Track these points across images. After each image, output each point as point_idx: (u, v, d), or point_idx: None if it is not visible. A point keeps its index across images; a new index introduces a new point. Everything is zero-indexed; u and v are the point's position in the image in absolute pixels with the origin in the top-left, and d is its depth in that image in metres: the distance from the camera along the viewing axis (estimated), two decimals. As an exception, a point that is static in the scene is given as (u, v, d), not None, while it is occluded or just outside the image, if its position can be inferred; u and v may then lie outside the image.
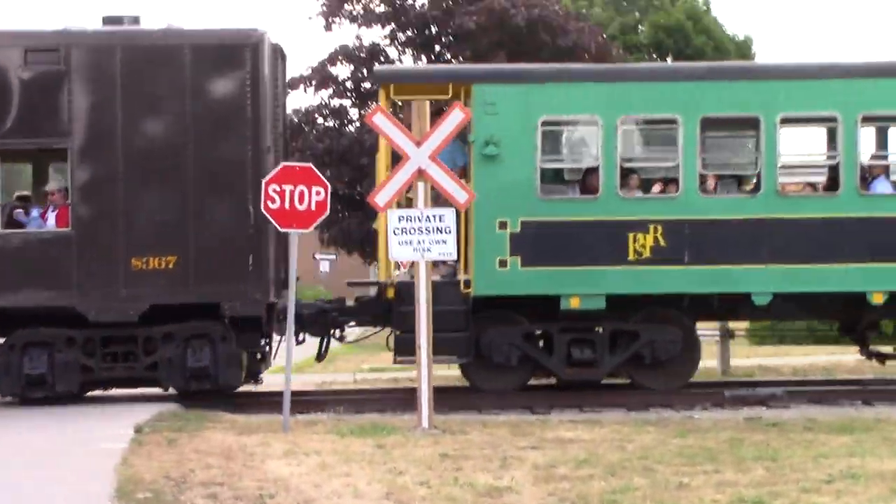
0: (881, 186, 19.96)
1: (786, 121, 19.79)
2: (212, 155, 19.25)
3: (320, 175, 17.06)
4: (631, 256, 19.51)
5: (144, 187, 19.24)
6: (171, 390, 19.82)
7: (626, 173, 19.89)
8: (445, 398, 18.94)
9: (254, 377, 20.42)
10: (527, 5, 37.43)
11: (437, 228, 16.80)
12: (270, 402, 19.11)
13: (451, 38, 38.47)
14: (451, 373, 23.85)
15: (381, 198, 17.14)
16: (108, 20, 20.07)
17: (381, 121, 17.15)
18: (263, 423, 17.34)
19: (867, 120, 19.90)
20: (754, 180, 20.05)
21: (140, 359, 19.43)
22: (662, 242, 19.43)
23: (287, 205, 16.82)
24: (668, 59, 51.38)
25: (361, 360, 29.49)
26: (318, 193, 16.89)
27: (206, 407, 18.89)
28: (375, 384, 23.76)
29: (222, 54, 19.34)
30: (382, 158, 19.98)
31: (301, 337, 20.55)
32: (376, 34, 39.26)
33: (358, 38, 38.98)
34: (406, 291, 19.32)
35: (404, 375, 23.93)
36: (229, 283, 19.17)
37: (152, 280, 19.16)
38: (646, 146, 21.21)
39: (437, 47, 38.97)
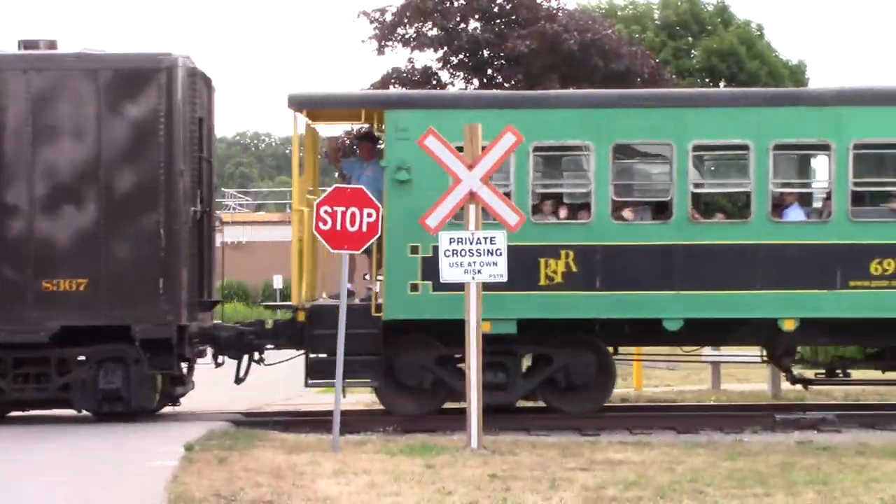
0: (794, 214, 19.88)
1: (698, 148, 19.79)
2: (123, 178, 19.28)
3: (372, 197, 17.15)
4: (542, 282, 19.54)
5: (56, 210, 19.26)
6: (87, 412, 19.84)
7: (539, 199, 19.96)
8: (495, 419, 18.96)
9: (170, 399, 20.46)
10: (580, 30, 37.43)
11: (488, 251, 16.86)
12: (320, 421, 19.17)
13: (503, 61, 38.52)
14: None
15: (431, 220, 17.22)
16: (24, 44, 20.16)
17: (433, 143, 17.23)
18: (313, 442, 17.41)
19: (780, 148, 19.79)
20: (667, 207, 19.85)
21: (52, 380, 19.39)
22: (574, 268, 19.37)
23: (339, 226, 16.92)
24: (721, 84, 51.24)
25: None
26: (369, 215, 16.99)
27: (256, 426, 19.00)
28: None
29: (135, 78, 19.36)
30: (296, 174, 20.22)
31: (220, 359, 20.61)
32: (428, 58, 39.39)
33: (410, 61, 39.12)
34: (317, 315, 19.66)
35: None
36: (140, 305, 19.20)
37: (63, 302, 19.17)
38: (559, 172, 21.13)
39: (489, 71, 39.02)
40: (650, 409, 22.16)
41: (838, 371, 20.98)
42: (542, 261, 19.56)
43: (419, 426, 19.39)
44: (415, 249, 19.59)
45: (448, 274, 16.97)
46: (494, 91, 20.02)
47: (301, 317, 19.88)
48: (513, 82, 37.61)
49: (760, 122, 19.63)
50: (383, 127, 20.01)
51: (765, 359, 21.58)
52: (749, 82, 48.92)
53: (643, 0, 55.97)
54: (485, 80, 38.63)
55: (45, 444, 17.37)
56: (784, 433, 19.00)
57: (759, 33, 54.96)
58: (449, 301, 19.13)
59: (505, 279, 17.09)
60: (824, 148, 19.85)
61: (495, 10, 38.95)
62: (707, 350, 24.11)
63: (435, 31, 38.80)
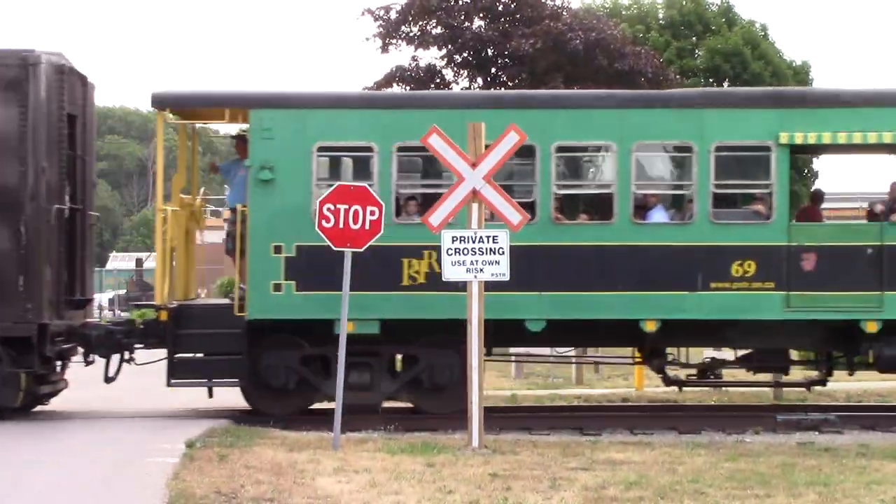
0: (657, 216, 19.89)
1: (562, 149, 19.77)
2: None
3: (375, 195, 17.14)
4: (405, 282, 19.59)
5: None
6: None
7: (403, 199, 20.02)
8: (496, 418, 18.96)
9: (36, 399, 20.41)
10: (584, 29, 37.42)
11: (491, 249, 16.86)
12: (321, 419, 19.17)
13: (507, 60, 38.52)
14: (500, 392, 23.89)
15: (434, 218, 17.21)
16: None
17: (437, 142, 17.23)
18: (314, 439, 17.41)
19: (642, 149, 19.80)
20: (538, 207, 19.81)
21: None
22: (437, 269, 19.20)
23: (341, 224, 16.91)
24: (725, 84, 51.17)
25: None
26: (372, 213, 16.98)
27: (257, 424, 19.01)
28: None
29: None
30: (160, 173, 20.28)
31: (91, 357, 20.56)
32: (432, 56, 39.39)
33: (414, 59, 39.12)
34: (182, 315, 19.77)
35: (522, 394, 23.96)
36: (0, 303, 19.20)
37: None
38: (423, 172, 21.12)
39: (493, 69, 39.02)
40: (651, 409, 22.16)
41: (710, 373, 21.05)
42: (405, 261, 19.62)
43: (421, 425, 19.39)
44: (278, 249, 19.61)
45: (450, 272, 16.97)
46: (359, 92, 19.95)
47: (163, 316, 19.84)
48: (516, 81, 37.61)
49: (623, 124, 19.64)
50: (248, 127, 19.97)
51: (637, 360, 21.55)
52: (753, 83, 48.83)
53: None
54: (489, 79, 38.63)
55: (45, 441, 17.38)
56: (785, 434, 19.00)
57: (763, 34, 54.87)
58: (312, 301, 19.41)
59: (507, 278, 17.08)
60: (687, 150, 19.79)
61: (500, 8, 38.95)
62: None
63: (439, 29, 38.79)
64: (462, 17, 38.74)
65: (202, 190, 22.10)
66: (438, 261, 19.04)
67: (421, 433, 18.65)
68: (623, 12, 54.34)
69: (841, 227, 20.45)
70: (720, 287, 19.44)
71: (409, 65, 38.89)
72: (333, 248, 17.10)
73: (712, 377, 21.22)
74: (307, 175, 19.67)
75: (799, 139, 19.62)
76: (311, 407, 20.64)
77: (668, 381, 21.04)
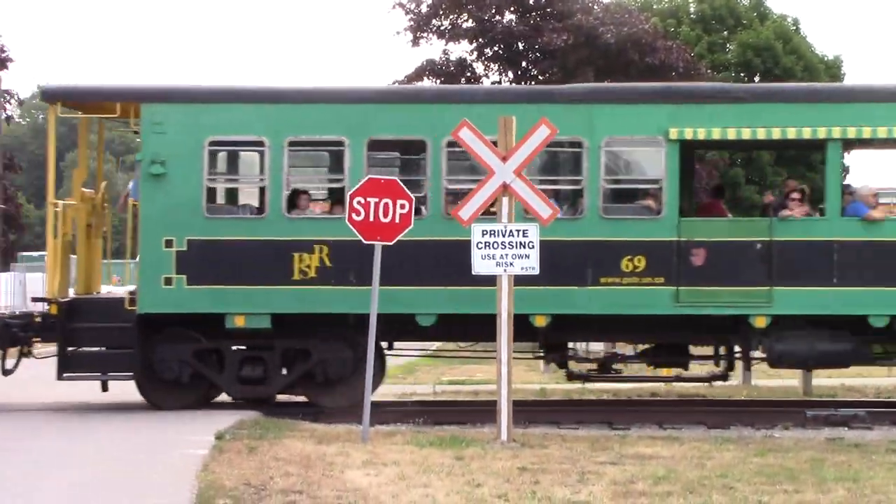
0: None
1: (453, 144, 19.24)
2: None
3: (405, 188, 17.16)
4: (296, 276, 19.54)
5: None
6: None
7: (296, 194, 19.98)
8: (525, 412, 18.97)
9: None
10: (616, 23, 37.42)
11: (521, 243, 16.87)
12: (350, 412, 19.23)
13: (538, 54, 38.51)
14: (529, 386, 23.89)
15: (464, 212, 17.20)
16: None
17: (467, 135, 17.21)
18: (343, 432, 17.46)
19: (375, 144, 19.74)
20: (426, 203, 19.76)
21: None
22: (328, 263, 19.34)
23: (371, 217, 16.95)
24: (756, 79, 51.05)
25: (441, 371, 29.56)
26: (402, 206, 17.00)
27: (285, 416, 19.09)
28: (456, 396, 23.82)
29: None
30: (52, 167, 20.23)
31: None
32: (463, 49, 39.42)
33: (445, 53, 39.16)
34: (75, 309, 19.82)
35: (485, 388, 23.99)
36: None
37: None
38: (315, 167, 21.02)
39: (524, 63, 39.03)
40: (680, 403, 22.13)
41: (613, 368, 20.91)
42: (297, 255, 19.56)
43: (449, 418, 19.42)
44: (169, 243, 19.62)
45: (480, 266, 16.98)
46: (247, 87, 19.88)
47: (54, 310, 19.87)
48: (547, 75, 37.60)
49: (516, 119, 19.51)
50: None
51: (538, 355, 21.43)
52: (784, 77, 48.75)
53: (679, -6, 55.80)
54: (519, 73, 38.65)
55: (75, 433, 17.48)
56: (815, 429, 18.96)
57: (794, 28, 54.72)
58: (203, 295, 19.43)
59: (537, 272, 17.08)
60: (577, 145, 19.71)
61: (531, 2, 38.96)
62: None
63: (470, 23, 38.84)
64: (493, 11, 38.78)
65: (104, 184, 21.98)
66: (329, 255, 19.32)
67: (450, 426, 18.69)
68: (654, 6, 54.33)
69: (730, 222, 20.28)
70: (610, 282, 19.32)
71: (440, 58, 38.94)
72: (364, 241, 17.13)
73: (613, 372, 20.99)
74: (199, 169, 19.69)
75: (688, 135, 19.55)
76: (214, 401, 20.59)
77: (571, 376, 20.96)
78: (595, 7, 39.46)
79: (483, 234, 16.91)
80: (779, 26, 53.19)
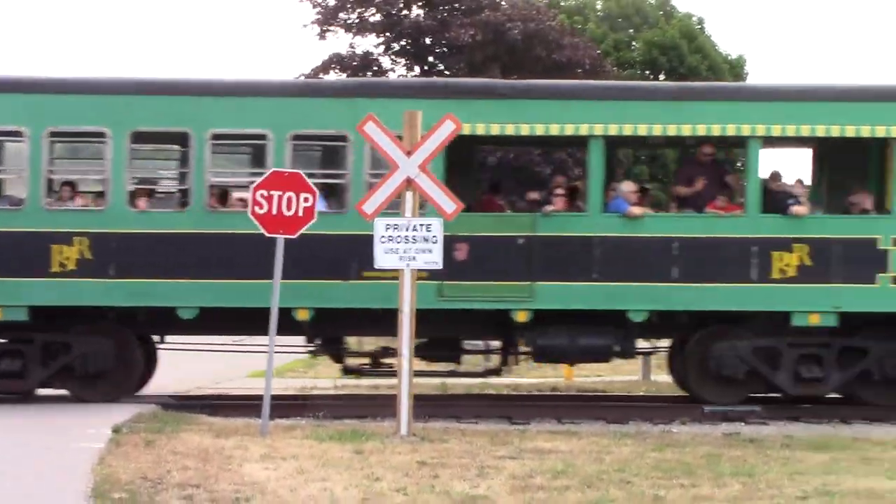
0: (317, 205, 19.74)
1: (217, 136, 19.67)
2: None
3: (308, 182, 17.09)
4: (55, 268, 19.46)
5: None
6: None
7: (57, 185, 19.95)
8: (426, 406, 18.98)
9: None
10: (523, 19, 37.53)
11: (424, 238, 16.85)
12: (250, 405, 19.14)
13: (445, 49, 38.55)
14: (431, 381, 23.91)
15: (368, 206, 17.16)
16: None
17: (373, 129, 17.17)
18: (242, 426, 17.35)
19: (298, 139, 19.74)
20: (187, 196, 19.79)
21: None
22: (88, 255, 19.29)
23: (275, 210, 16.85)
24: (661, 77, 51.45)
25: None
26: (305, 200, 16.93)
27: (185, 409, 18.94)
28: (356, 390, 23.78)
29: None
30: None
31: None
32: (370, 43, 39.38)
33: (352, 46, 39.09)
34: None
35: (385, 382, 23.98)
36: None
37: None
38: (78, 158, 21.03)
39: (431, 58, 39.05)
40: (579, 398, 22.27)
41: (384, 361, 20.88)
42: (55, 247, 19.44)
43: (350, 412, 19.39)
44: None
45: (383, 260, 16.94)
46: (9, 76, 19.78)
47: None
48: (455, 70, 37.64)
49: (281, 113, 19.61)
50: None
51: (310, 349, 21.26)
52: (689, 76, 49.15)
53: (586, -9, 56.11)
54: (426, 68, 38.67)
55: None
56: (712, 425, 19.14)
57: (699, 27, 55.22)
58: None
59: (440, 266, 17.09)
60: (342, 139, 19.67)
61: (439, -3, 38.99)
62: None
63: (377, 17, 38.80)
64: (401, 6, 38.77)
65: None
66: (90, 247, 19.21)
67: (350, 420, 18.65)
68: (562, 3, 54.56)
69: (495, 217, 20.12)
70: (373, 276, 19.11)
71: (347, 52, 38.85)
72: (266, 234, 17.03)
73: (385, 367, 20.89)
74: None
75: None
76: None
77: (347, 370, 20.97)
78: (503, 3, 39.54)
79: (386, 229, 16.88)
80: (684, 25, 53.63)
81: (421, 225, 16.89)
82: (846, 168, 21.22)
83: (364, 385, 24.86)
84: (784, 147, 22.08)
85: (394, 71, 39.28)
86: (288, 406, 19.59)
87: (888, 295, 19.74)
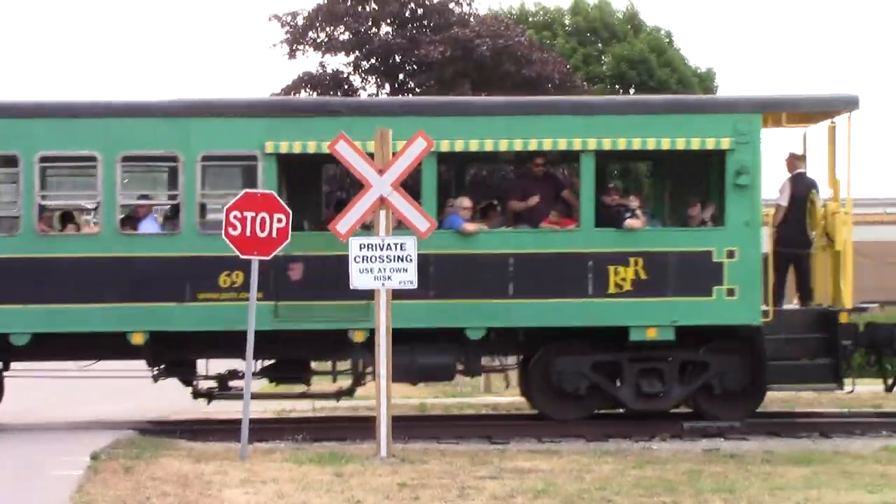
0: (147, 226, 19.76)
1: (46, 159, 19.42)
2: None
3: (282, 202, 17.03)
4: None
5: None
6: None
7: None
8: (405, 427, 18.91)
9: None
10: (491, 35, 37.50)
11: (399, 257, 16.81)
12: (228, 429, 19.02)
13: (415, 67, 38.51)
14: (411, 401, 23.86)
15: (342, 226, 17.13)
16: None
17: (344, 148, 17.15)
18: (221, 450, 17.26)
19: (128, 160, 19.67)
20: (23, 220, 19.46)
21: None
22: None
23: (248, 232, 16.79)
24: (632, 91, 51.53)
25: (320, 388, 29.29)
26: (279, 220, 16.87)
27: (163, 434, 18.81)
28: (335, 412, 23.66)
29: None
30: None
31: None
32: (340, 62, 39.30)
33: (322, 65, 39.01)
34: None
35: (364, 404, 23.88)
36: None
37: None
38: None
39: (401, 76, 39.00)
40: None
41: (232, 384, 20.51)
42: None
43: (329, 435, 19.28)
44: None
45: (358, 280, 16.89)
46: None
47: None
48: (425, 87, 37.60)
49: (109, 134, 19.43)
50: None
51: (154, 372, 20.54)
52: (659, 89, 49.21)
53: (553, 5, 56.13)
54: (396, 86, 38.61)
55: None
56: (692, 441, 19.13)
57: (668, 40, 55.32)
58: None
59: (415, 285, 17.03)
60: (173, 160, 19.60)
61: (407, 14, 38.94)
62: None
63: (347, 36, 38.71)
64: (370, 24, 38.70)
65: None
66: None
67: (329, 443, 18.56)
68: (530, 18, 54.55)
69: (326, 236, 18.71)
70: (209, 298, 19.13)
71: (317, 71, 38.77)
72: (241, 255, 16.94)
73: (234, 389, 20.48)
74: None
75: (284, 148, 19.44)
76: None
77: (197, 394, 20.61)
78: (471, 20, 39.51)
79: (361, 248, 16.83)
80: (653, 39, 53.68)
81: (395, 244, 16.84)
82: (687, 180, 21.23)
83: (343, 407, 24.74)
84: (623, 161, 21.84)
85: (364, 89, 39.20)
86: (264, 430, 19.46)
87: (724, 308, 19.69)
